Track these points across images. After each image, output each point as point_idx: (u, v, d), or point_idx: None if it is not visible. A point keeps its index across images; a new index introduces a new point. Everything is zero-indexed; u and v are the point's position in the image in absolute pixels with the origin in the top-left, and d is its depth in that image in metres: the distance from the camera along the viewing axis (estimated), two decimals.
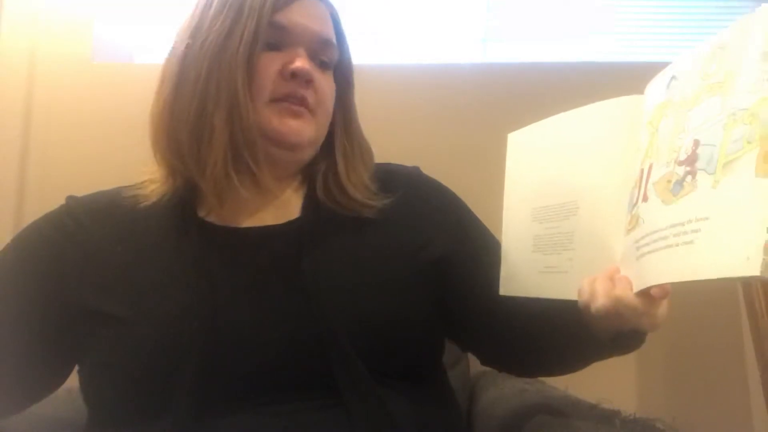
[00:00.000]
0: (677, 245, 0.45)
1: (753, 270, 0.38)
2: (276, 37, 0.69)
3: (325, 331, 0.64)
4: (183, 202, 0.72)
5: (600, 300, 0.53)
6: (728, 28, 0.46)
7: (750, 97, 0.42)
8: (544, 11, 1.68)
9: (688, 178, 0.45)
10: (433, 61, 1.59)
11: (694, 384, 1.40)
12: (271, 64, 0.69)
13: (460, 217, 0.80)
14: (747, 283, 1.20)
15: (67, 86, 1.43)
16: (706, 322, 1.39)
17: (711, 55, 0.47)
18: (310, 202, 0.74)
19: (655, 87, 0.55)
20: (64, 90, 1.43)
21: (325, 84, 0.73)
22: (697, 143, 0.46)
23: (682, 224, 0.45)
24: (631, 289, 0.51)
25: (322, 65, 0.73)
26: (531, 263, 0.64)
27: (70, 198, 0.75)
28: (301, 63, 0.68)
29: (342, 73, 0.77)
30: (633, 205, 0.54)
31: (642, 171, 0.53)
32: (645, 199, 0.51)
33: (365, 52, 1.61)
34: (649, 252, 0.49)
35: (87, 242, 0.70)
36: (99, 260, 0.69)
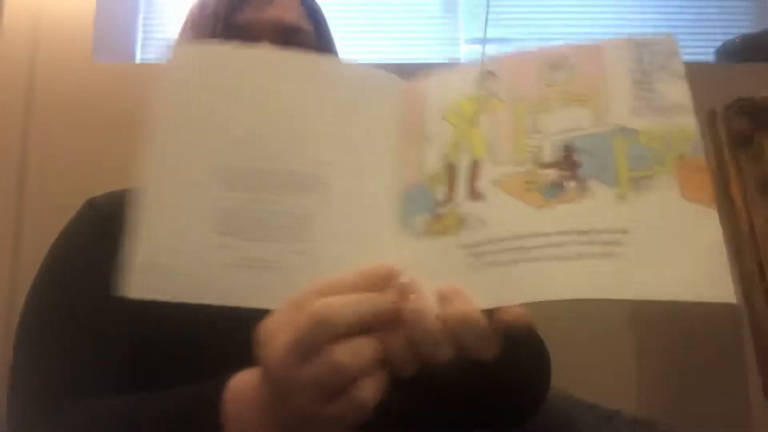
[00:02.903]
0: (579, 256, 0.41)
1: (704, 295, 0.39)
2: (239, 38, 0.67)
3: None
4: None
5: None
6: (576, 44, 0.48)
7: (638, 120, 0.44)
8: (544, 12, 1.67)
9: (571, 183, 0.44)
10: (432, 61, 1.59)
11: (694, 384, 1.40)
12: None
13: None
14: (747, 282, 1.20)
15: (67, 86, 1.43)
16: (706, 322, 1.39)
17: (550, 65, 0.48)
18: None
19: (456, 79, 0.51)
20: (64, 90, 1.43)
21: None
22: (570, 149, 0.45)
23: (585, 233, 0.42)
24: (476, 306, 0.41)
25: None
26: (212, 252, 0.46)
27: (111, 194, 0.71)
28: None
29: None
30: (437, 203, 0.47)
31: (451, 166, 0.48)
32: (476, 197, 0.46)
33: (362, 51, 1.61)
34: (508, 261, 0.43)
35: None
36: None
